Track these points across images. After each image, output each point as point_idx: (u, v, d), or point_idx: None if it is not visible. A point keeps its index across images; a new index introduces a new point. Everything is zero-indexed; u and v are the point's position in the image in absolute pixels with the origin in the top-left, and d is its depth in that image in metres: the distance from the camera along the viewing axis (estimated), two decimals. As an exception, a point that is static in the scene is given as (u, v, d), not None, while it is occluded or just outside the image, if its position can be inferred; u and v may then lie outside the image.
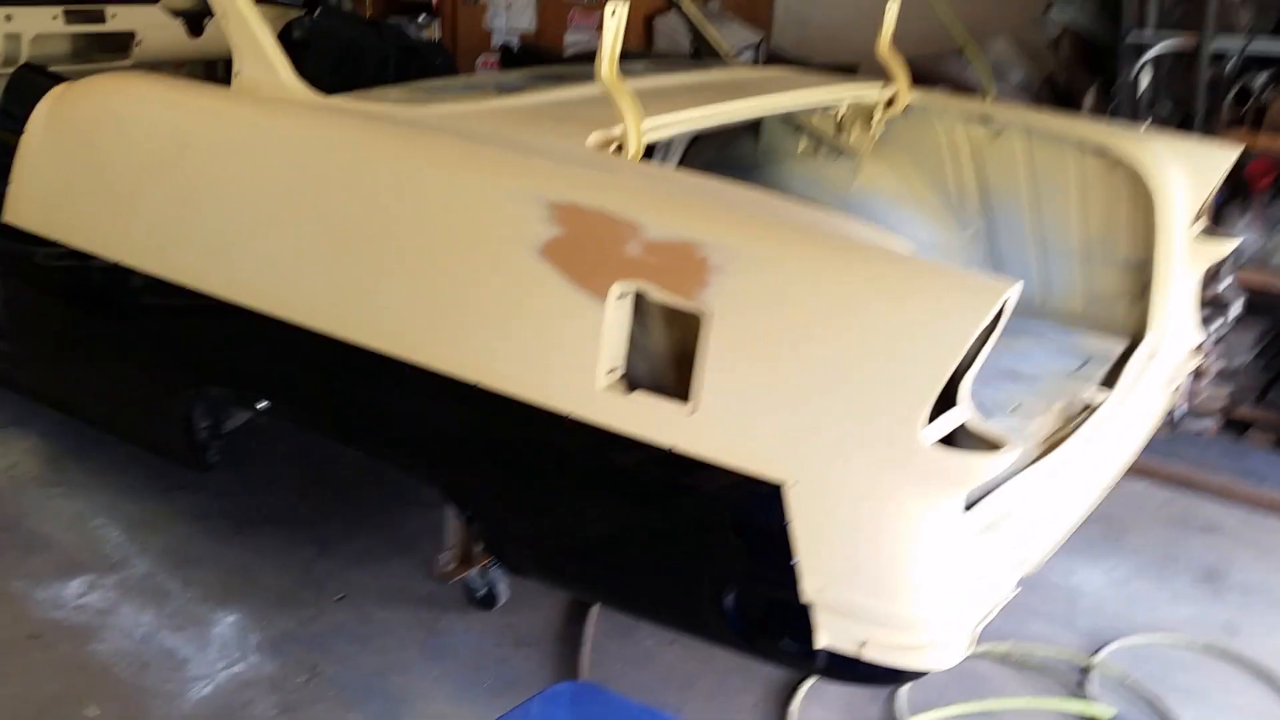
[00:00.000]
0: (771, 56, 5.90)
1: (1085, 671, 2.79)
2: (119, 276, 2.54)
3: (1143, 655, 2.87)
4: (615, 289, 1.91)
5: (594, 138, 2.25)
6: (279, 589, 2.95)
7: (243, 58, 2.45)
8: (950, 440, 1.78)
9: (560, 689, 1.66)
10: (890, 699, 2.62)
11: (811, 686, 2.64)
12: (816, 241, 1.86)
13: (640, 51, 5.03)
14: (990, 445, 1.78)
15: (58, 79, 2.74)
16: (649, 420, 1.90)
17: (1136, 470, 3.71)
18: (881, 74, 3.34)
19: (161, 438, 2.74)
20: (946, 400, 1.76)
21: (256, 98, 2.41)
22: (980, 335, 1.70)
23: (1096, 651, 2.86)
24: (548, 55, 4.53)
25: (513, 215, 2.01)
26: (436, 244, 2.09)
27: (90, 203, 2.58)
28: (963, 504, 1.84)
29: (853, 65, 5.26)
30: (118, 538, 3.15)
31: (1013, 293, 1.71)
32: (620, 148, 2.23)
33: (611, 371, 1.95)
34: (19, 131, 2.71)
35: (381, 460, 2.41)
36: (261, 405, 2.47)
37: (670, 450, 1.88)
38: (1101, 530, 3.44)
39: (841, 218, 1.99)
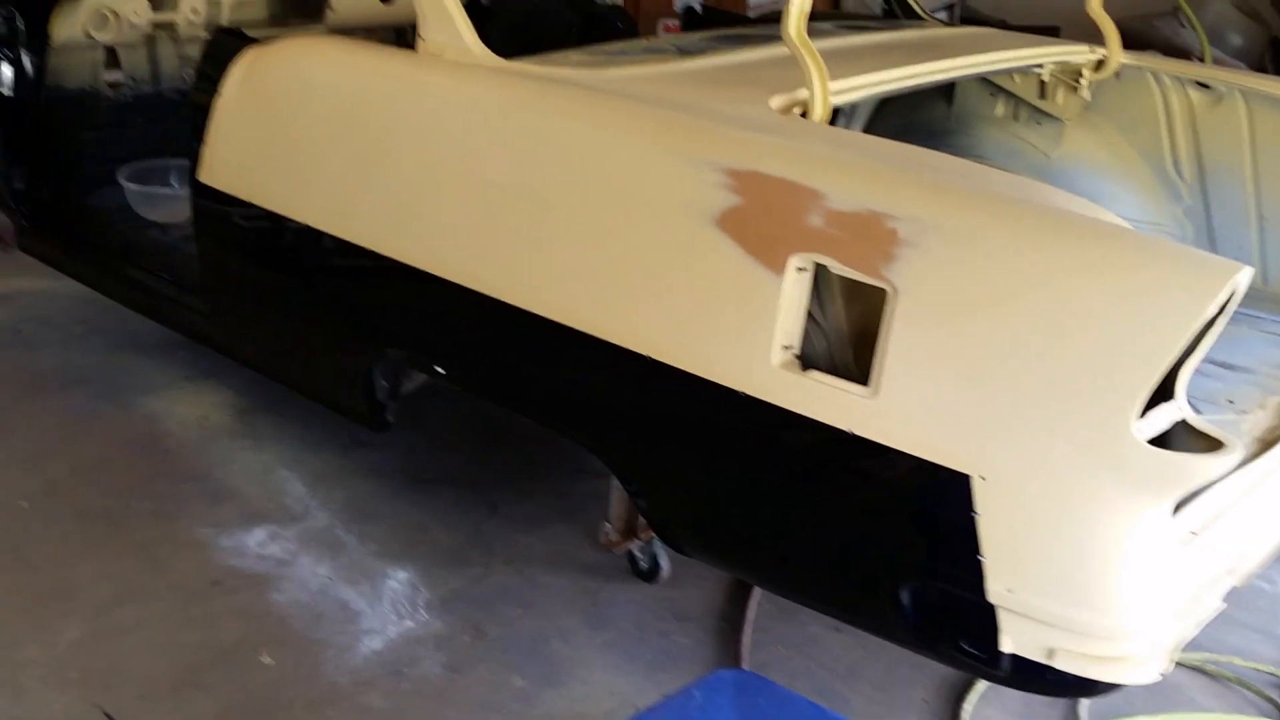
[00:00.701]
0: (965, 18, 5.64)
1: (1289, 690, 2.57)
2: (306, 237, 2.60)
3: (1357, 675, 2.63)
4: (794, 261, 1.82)
5: (776, 101, 2.15)
6: (449, 548, 2.99)
7: (428, 22, 2.45)
8: (1162, 438, 1.62)
9: (724, 676, 1.60)
10: (1072, 704, 2.47)
11: (987, 686, 2.51)
12: (1020, 213, 1.72)
13: (827, 11, 4.88)
14: (1207, 445, 1.61)
15: (251, 41, 2.80)
16: (825, 401, 1.81)
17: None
18: (1084, 37, 3.12)
19: (342, 396, 2.79)
20: (1159, 394, 1.60)
21: (440, 62, 2.41)
22: (1207, 322, 1.54)
23: (1303, 668, 2.63)
24: (731, 18, 4.43)
25: (689, 182, 1.93)
26: (611, 210, 2.04)
27: (280, 164, 2.64)
28: (1170, 508, 1.69)
29: (1053, 27, 4.98)
30: (300, 490, 3.24)
31: (1244, 276, 1.54)
32: (805, 112, 2.13)
33: (787, 349, 1.87)
34: (214, 93, 2.79)
35: (550, 428, 2.39)
36: (436, 368, 2.48)
37: (848, 433, 1.78)
38: (1315, 535, 3.16)
39: (1049, 188, 1.84)
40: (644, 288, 1.99)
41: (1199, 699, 2.54)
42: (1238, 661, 2.64)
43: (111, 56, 4.10)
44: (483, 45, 2.39)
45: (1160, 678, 1.73)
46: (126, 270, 3.54)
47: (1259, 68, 4.51)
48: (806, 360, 1.88)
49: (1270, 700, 2.54)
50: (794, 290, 1.83)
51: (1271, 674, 2.61)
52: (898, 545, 1.83)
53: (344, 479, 3.30)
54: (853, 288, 1.87)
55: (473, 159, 2.26)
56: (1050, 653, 1.71)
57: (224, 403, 3.74)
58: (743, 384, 1.88)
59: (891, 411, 1.74)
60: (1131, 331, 1.56)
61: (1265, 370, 2.55)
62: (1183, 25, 4.59)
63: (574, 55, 2.53)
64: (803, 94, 2.15)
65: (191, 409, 3.69)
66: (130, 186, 3.92)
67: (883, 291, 1.74)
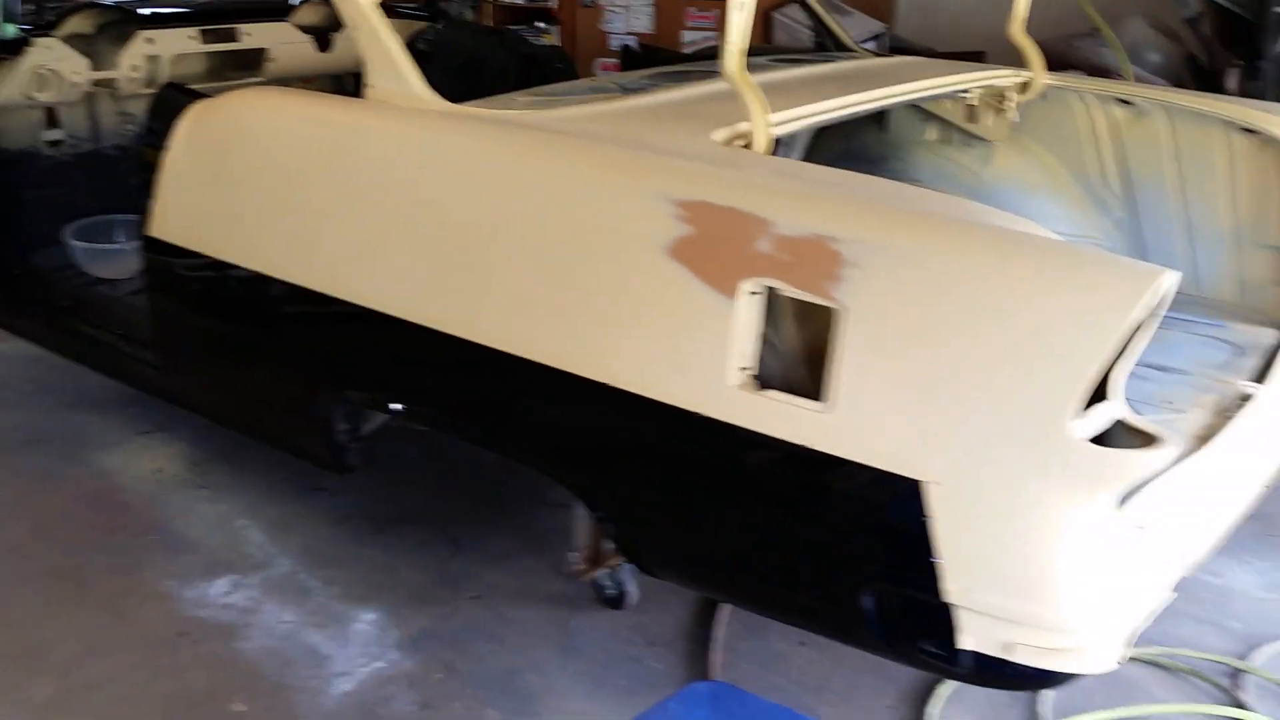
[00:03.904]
0: (894, 47, 5.80)
1: (1238, 676, 2.66)
2: (260, 285, 2.62)
3: (1302, 660, 2.74)
4: (746, 286, 1.89)
5: (721, 134, 2.23)
6: (416, 587, 3.01)
7: (375, 70, 2.50)
8: (1103, 436, 1.70)
9: (699, 688, 1.65)
10: (1033, 702, 2.54)
11: (951, 690, 2.58)
12: (956, 231, 1.81)
13: (761, 45, 5.01)
14: (1145, 441, 1.70)
15: (198, 96, 2.83)
16: (783, 418, 1.88)
17: (1292, 465, 3.54)
18: (1009, 61, 3.25)
19: (303, 441, 2.81)
20: (1097, 396, 1.69)
21: (389, 108, 2.46)
22: (1136, 325, 1.63)
23: (1250, 655, 2.73)
24: (668, 55, 4.53)
25: (642, 215, 2.00)
26: (567, 245, 2.10)
27: (232, 214, 2.66)
28: (1115, 502, 1.77)
29: (979, 53, 5.14)
30: (260, 538, 3.25)
31: (1170, 281, 1.63)
32: (748, 144, 2.21)
33: (743, 370, 1.93)
34: (162, 147, 2.81)
35: (516, 460, 2.43)
36: (398, 408, 2.51)
37: (805, 448, 1.85)
38: (1255, 529, 3.27)
39: (981, 206, 1.93)
40: (603, 318, 2.05)
41: (1155, 691, 2.63)
42: (1190, 654, 2.73)
43: (49, 115, 4.11)
44: (431, 90, 2.45)
45: (1117, 666, 1.80)
46: (77, 327, 3.53)
47: (1177, 83, 4.69)
48: (763, 380, 1.95)
49: (1223, 689, 2.63)
50: (747, 313, 1.90)
51: (1223, 663, 2.70)
52: (858, 553, 1.89)
53: (304, 525, 3.31)
54: (803, 309, 1.94)
55: (427, 201, 2.31)
56: (1008, 647, 1.78)
57: (178, 455, 3.74)
58: (703, 406, 1.94)
59: (845, 424, 1.81)
60: (1067, 337, 1.65)
61: (1200, 371, 2.65)
62: (1103, 45, 4.76)
63: (520, 97, 2.59)
64: (744, 127, 2.23)
65: (146, 463, 3.68)
66: (77, 244, 3.92)
67: (832, 311, 1.81)
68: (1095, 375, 1.63)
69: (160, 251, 2.85)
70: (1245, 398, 2.50)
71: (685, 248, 1.94)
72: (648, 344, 2.00)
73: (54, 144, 4.14)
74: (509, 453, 2.43)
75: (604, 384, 2.05)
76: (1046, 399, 1.65)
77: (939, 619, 1.81)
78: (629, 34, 6.04)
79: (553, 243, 2.12)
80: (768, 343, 2.00)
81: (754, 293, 1.90)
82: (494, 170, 2.23)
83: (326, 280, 2.47)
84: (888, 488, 1.78)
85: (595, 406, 2.09)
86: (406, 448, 3.63)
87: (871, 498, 1.82)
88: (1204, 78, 4.63)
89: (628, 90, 2.68)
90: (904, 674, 2.64)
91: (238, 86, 3.07)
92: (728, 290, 1.89)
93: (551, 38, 6.31)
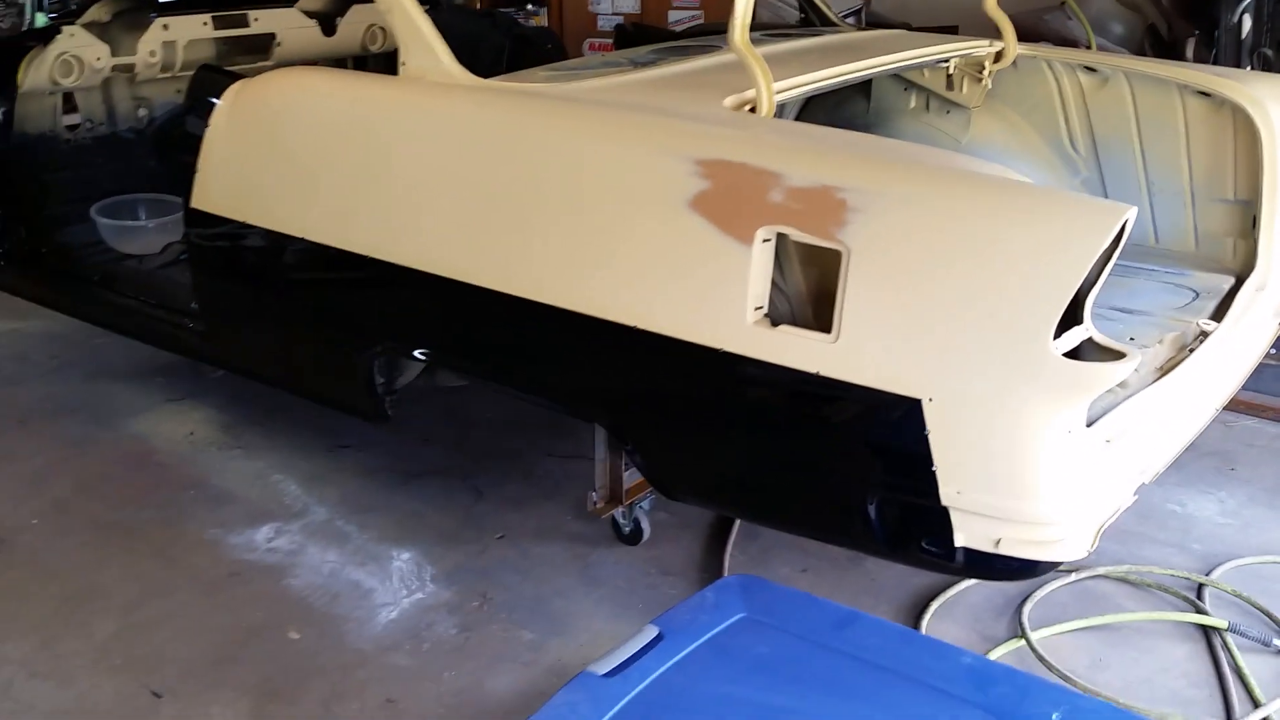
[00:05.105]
0: (871, 22, 6.04)
1: (1199, 589, 2.94)
2: (304, 251, 2.83)
3: (1254, 575, 3.02)
4: (760, 233, 2.13)
5: (729, 100, 2.47)
6: (445, 530, 3.25)
7: (409, 49, 2.71)
8: (1075, 355, 1.96)
9: (730, 581, 1.89)
10: (1016, 614, 2.81)
11: (940, 604, 2.85)
12: (946, 178, 2.06)
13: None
14: (1112, 357, 1.96)
15: (236, 76, 3.03)
16: (795, 350, 2.12)
17: (1247, 406, 3.83)
18: (980, 35, 3.48)
19: (346, 394, 3.02)
20: (1070, 321, 1.95)
21: (425, 84, 2.67)
22: (1102, 255, 1.88)
23: (1210, 572, 3.01)
24: (660, 33, 4.75)
25: (665, 173, 2.24)
26: (597, 203, 2.33)
27: (276, 185, 2.87)
28: (1086, 411, 2.03)
29: (953, 27, 5.38)
30: (296, 491, 3.48)
31: (1130, 214, 1.88)
32: (753, 108, 2.45)
33: (758, 309, 2.17)
34: (203, 125, 3.01)
35: (553, 405, 2.66)
36: (438, 357, 2.73)
37: (816, 375, 2.10)
38: (1214, 464, 3.57)
39: (965, 157, 2.18)
40: (632, 267, 2.28)
41: (1125, 604, 2.91)
42: (1157, 570, 3.01)
43: (67, 100, 4.29)
44: (462, 67, 2.67)
45: (1087, 554, 2.07)
46: (111, 298, 3.72)
47: (1139, 52, 4.94)
48: (774, 318, 2.20)
49: (1186, 599, 2.91)
50: (761, 258, 2.14)
51: (1186, 578, 2.98)
52: (865, 466, 2.15)
53: (335, 478, 3.54)
54: (810, 252, 2.19)
55: (465, 167, 2.52)
56: (996, 542, 2.04)
57: (207, 419, 3.95)
58: (722, 342, 2.19)
59: (852, 352, 2.06)
60: (1043, 265, 1.90)
61: (1160, 312, 2.92)
62: (1070, 18, 5.01)
63: (541, 72, 2.82)
64: (750, 94, 2.46)
65: (178, 427, 3.90)
66: (104, 221, 4.11)
67: (838, 253, 2.06)
68: (1069, 298, 1.88)
69: (204, 222, 3.05)
70: (1204, 334, 2.78)
71: (705, 201, 2.18)
72: (672, 289, 2.24)
73: (72, 128, 4.32)
74: (547, 397, 2.66)
75: (633, 327, 2.29)
76: (1027, 320, 1.90)
77: (937, 521, 2.07)
78: (616, 14, 6.25)
79: (583, 201, 2.35)
80: (775, 286, 2.25)
81: (767, 240, 2.14)
82: (528, 137, 2.46)
83: (367, 243, 2.69)
84: (890, 407, 2.04)
85: (625, 349, 2.33)
86: (427, 408, 3.86)
87: (875, 416, 2.08)
88: (1164, 47, 4.89)
89: (637, 64, 2.91)
90: (897, 593, 2.91)
91: (249, 70, 3.26)
92: (744, 238, 2.13)
93: (540, 19, 6.51)
